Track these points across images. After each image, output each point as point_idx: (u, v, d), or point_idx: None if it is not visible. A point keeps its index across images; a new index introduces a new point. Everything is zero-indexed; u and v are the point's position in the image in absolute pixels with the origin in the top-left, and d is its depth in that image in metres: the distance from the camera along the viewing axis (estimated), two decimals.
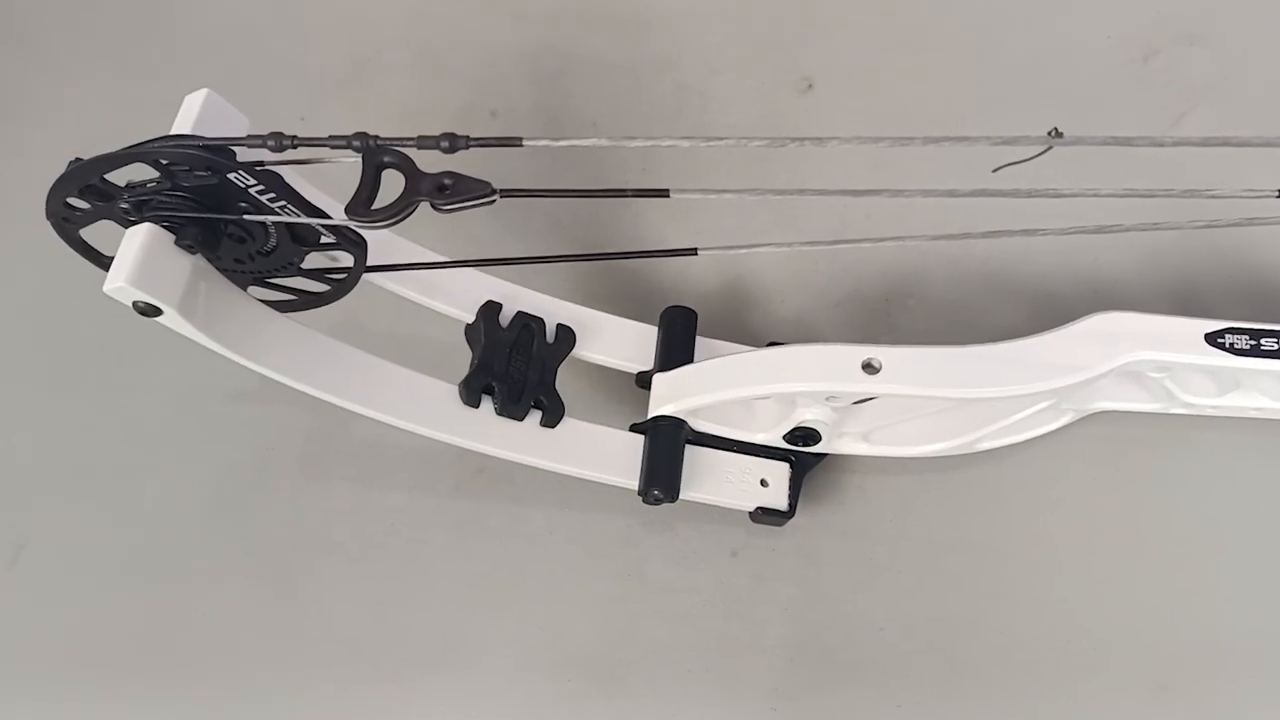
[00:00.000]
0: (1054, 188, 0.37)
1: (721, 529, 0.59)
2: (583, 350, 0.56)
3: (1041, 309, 0.61)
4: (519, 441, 0.52)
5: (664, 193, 0.37)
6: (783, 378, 0.50)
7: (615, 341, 0.57)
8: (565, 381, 0.58)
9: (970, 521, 0.57)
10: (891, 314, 0.63)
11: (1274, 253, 0.61)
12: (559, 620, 0.58)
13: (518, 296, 0.55)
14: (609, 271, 0.66)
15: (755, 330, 0.63)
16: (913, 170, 0.61)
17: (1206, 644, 0.53)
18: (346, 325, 0.62)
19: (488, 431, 0.51)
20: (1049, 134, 0.30)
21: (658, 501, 0.53)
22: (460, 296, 0.53)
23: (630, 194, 0.38)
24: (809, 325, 0.63)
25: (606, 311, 0.59)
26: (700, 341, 0.58)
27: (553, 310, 0.56)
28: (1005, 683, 0.54)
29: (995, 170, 0.32)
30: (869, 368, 0.49)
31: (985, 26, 0.70)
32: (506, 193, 0.38)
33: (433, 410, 0.50)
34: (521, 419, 0.52)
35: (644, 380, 0.56)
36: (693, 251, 0.43)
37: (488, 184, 0.38)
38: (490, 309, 0.54)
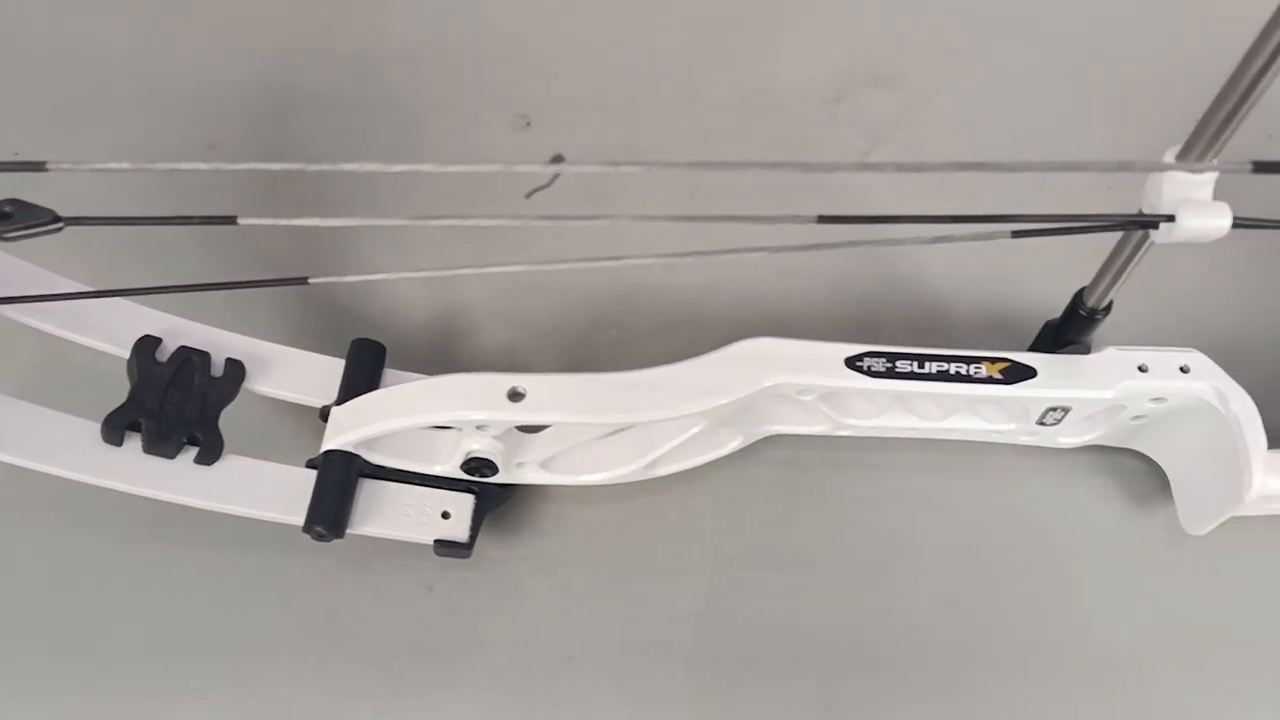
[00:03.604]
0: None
1: (418, 564, 0.58)
2: (261, 385, 0.55)
3: (734, 338, 0.62)
4: (169, 480, 0.50)
5: (232, 220, 0.37)
6: (432, 407, 0.50)
7: (299, 376, 0.56)
8: (261, 419, 0.58)
9: (660, 546, 0.58)
10: (594, 344, 0.64)
11: (944, 281, 0.64)
12: (251, 666, 0.55)
13: (183, 331, 0.54)
14: (320, 304, 0.65)
15: (463, 363, 0.63)
16: (633, 201, 0.63)
17: (881, 658, 0.55)
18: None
19: (131, 470, 0.49)
20: (551, 160, 0.31)
21: (321, 537, 0.52)
22: (115, 331, 0.52)
23: (197, 221, 0.38)
24: (517, 356, 0.64)
25: (317, 346, 0.59)
26: (389, 374, 0.57)
27: (225, 344, 0.55)
28: (692, 703, 0.54)
29: (527, 196, 0.33)
30: (515, 395, 0.49)
31: (693, 68, 0.73)
32: (72, 220, 0.37)
33: (64, 449, 0.48)
34: (172, 456, 0.51)
35: (327, 415, 0.55)
36: (304, 280, 0.43)
37: (51, 212, 0.37)
38: (146, 344, 0.52)
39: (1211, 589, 0.56)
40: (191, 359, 0.53)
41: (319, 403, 0.56)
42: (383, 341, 0.60)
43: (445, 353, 0.64)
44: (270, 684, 0.55)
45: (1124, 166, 0.30)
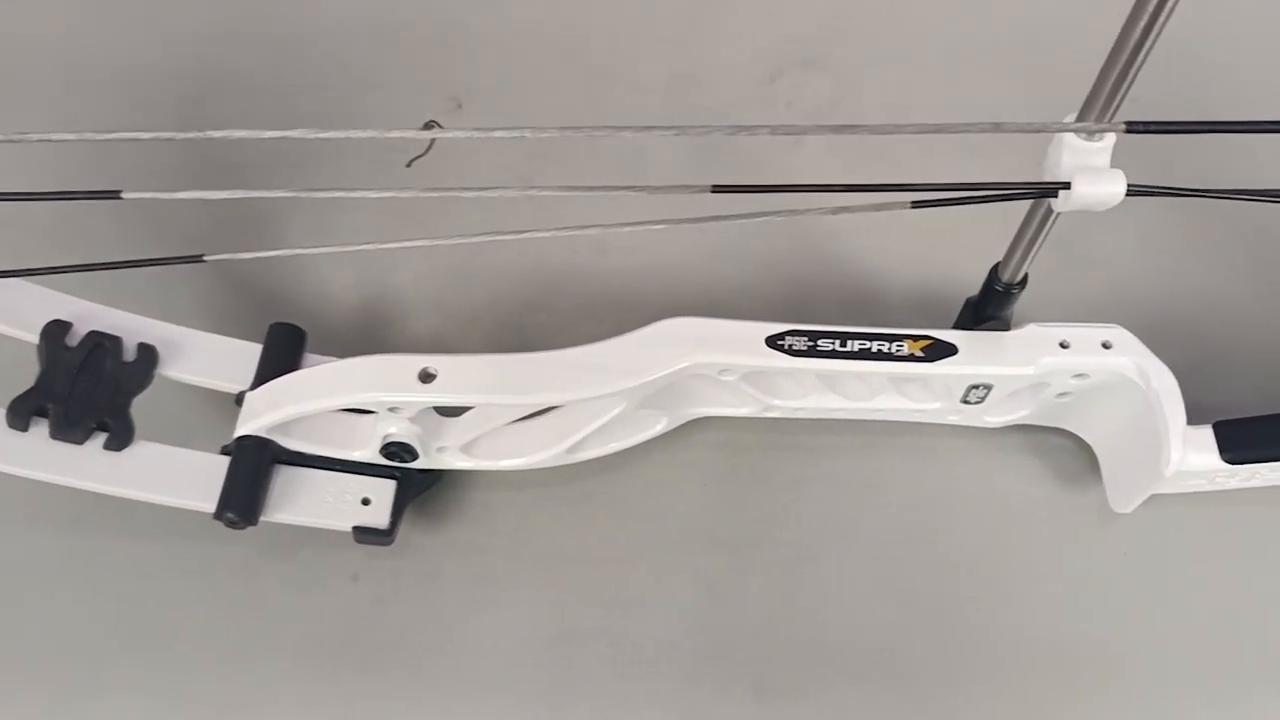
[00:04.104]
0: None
1: (343, 553, 0.57)
2: (177, 371, 0.54)
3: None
4: (76, 466, 0.49)
5: (116, 194, 0.36)
6: (343, 390, 0.49)
7: (216, 361, 0.55)
8: (180, 405, 0.56)
9: (588, 532, 0.57)
10: (524, 329, 0.63)
11: (878, 259, 0.64)
12: (174, 658, 0.54)
13: (95, 315, 0.53)
14: (245, 289, 0.64)
15: (390, 348, 0.61)
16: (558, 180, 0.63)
17: (815, 640, 0.54)
18: None
19: (37, 456, 0.48)
20: (424, 126, 0.30)
21: (233, 524, 0.51)
22: (25, 316, 0.51)
23: (82, 196, 0.37)
24: (445, 341, 0.63)
25: (244, 333, 0.58)
26: (309, 359, 0.56)
27: (139, 329, 0.54)
28: (617, 691, 0.54)
29: (408, 165, 0.32)
30: (426, 377, 0.49)
31: (627, 49, 0.72)
32: None
33: None
34: (80, 442, 0.50)
35: (243, 400, 0.55)
36: (200, 258, 0.42)
37: None
38: (55, 329, 0.51)
39: (1138, 567, 0.56)
40: (103, 344, 0.52)
41: (236, 388, 0.55)
42: (310, 327, 0.59)
43: (373, 339, 0.63)
44: (193, 676, 0.55)
45: (998, 128, 0.29)
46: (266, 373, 0.54)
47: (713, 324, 0.51)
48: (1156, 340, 0.53)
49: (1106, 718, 0.53)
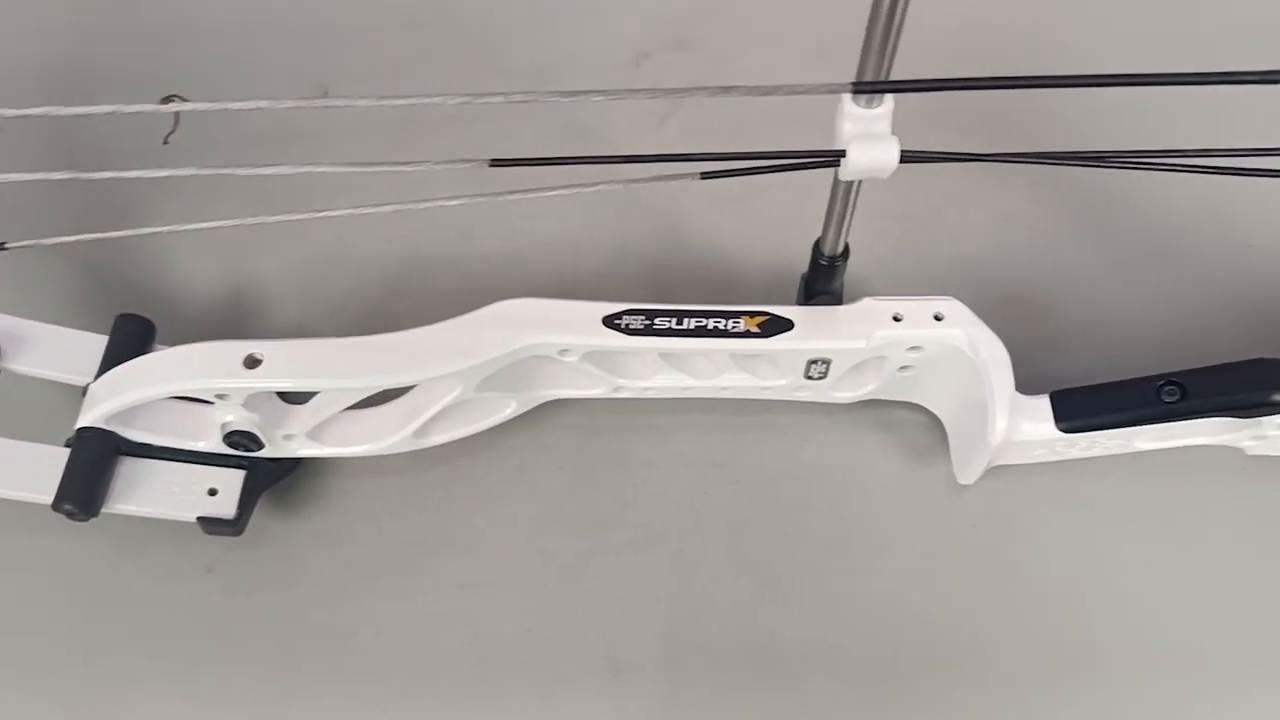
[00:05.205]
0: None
1: (199, 545, 0.56)
2: (20, 364, 0.54)
3: None
4: None
5: None
6: (167, 377, 0.48)
7: (61, 354, 0.55)
8: (29, 400, 0.56)
9: (447, 517, 0.57)
10: (388, 316, 0.62)
11: (735, 240, 0.64)
12: (21, 654, 0.54)
13: None
14: (107, 280, 0.64)
15: (249, 338, 0.62)
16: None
17: (670, 620, 0.54)
18: None
19: None
20: (163, 101, 0.30)
21: (71, 516, 0.51)
22: None
23: None
24: (307, 331, 0.62)
25: (104, 327, 0.58)
26: (157, 349, 0.56)
27: None
28: (475, 676, 0.54)
29: (164, 142, 0.32)
30: (251, 362, 0.48)
31: (494, 35, 0.72)
32: None
33: None
34: None
35: None
36: (1, 246, 0.42)
37: None
38: None
39: (986, 538, 0.56)
40: None
41: (82, 381, 0.55)
42: (171, 318, 0.59)
43: (234, 329, 0.62)
44: (43, 673, 0.54)
45: (727, 91, 0.29)
46: (111, 366, 0.54)
47: (550, 304, 0.51)
48: (1011, 314, 0.54)
49: (962, 688, 0.53)
